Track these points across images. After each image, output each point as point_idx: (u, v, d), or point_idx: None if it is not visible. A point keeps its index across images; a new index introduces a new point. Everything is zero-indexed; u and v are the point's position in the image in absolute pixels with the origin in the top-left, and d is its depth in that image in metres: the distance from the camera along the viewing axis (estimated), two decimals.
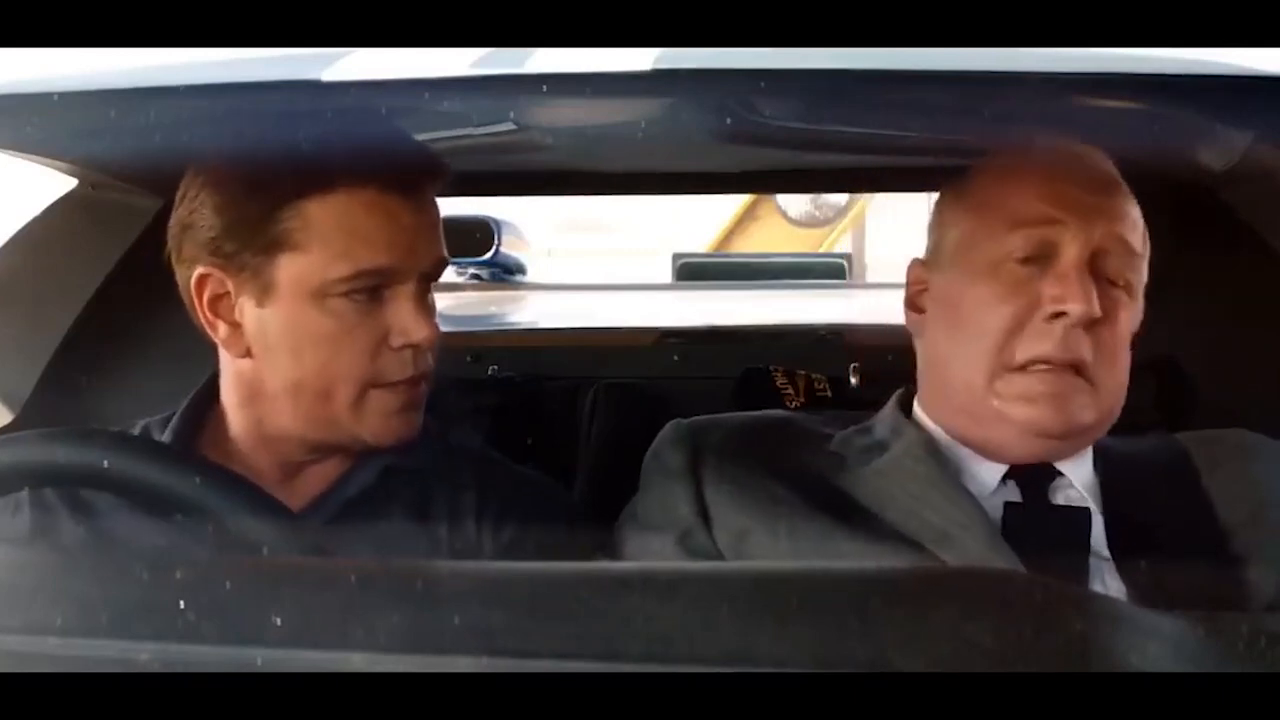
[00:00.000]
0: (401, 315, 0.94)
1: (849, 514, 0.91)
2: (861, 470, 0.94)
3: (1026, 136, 0.99)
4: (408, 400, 0.96)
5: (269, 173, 0.91)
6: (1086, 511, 0.91)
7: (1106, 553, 0.89)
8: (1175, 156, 1.16)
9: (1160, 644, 0.51)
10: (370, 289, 0.93)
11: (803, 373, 1.32)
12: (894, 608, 0.52)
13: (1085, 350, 0.90)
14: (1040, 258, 0.91)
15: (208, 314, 0.95)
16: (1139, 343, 0.95)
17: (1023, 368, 0.91)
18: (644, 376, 1.45)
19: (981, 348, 0.92)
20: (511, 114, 1.03)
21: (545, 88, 0.78)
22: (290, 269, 0.92)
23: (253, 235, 0.92)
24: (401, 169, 0.93)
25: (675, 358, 1.50)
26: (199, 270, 0.94)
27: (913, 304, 1.01)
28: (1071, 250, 0.90)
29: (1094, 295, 0.89)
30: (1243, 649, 0.51)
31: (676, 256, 3.01)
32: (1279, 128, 0.90)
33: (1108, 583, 0.88)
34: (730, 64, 0.75)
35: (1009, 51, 0.74)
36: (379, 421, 0.95)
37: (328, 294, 0.92)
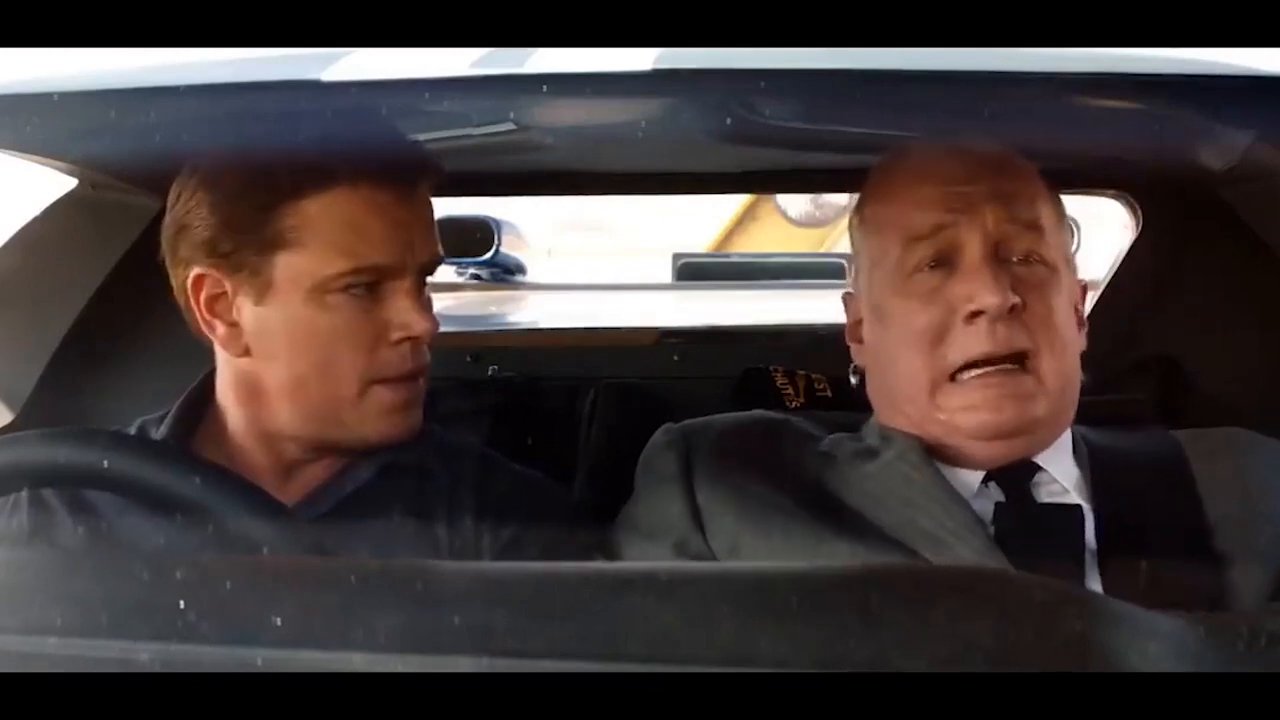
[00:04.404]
0: (400, 310, 0.95)
1: (842, 517, 0.91)
2: (854, 474, 0.94)
3: (905, 143, 0.99)
4: (409, 396, 0.97)
5: (265, 171, 0.92)
6: (1078, 509, 0.91)
7: (1094, 545, 0.89)
8: (1175, 156, 1.16)
9: (1160, 644, 0.51)
10: (368, 285, 0.94)
11: (803, 373, 1.32)
12: (894, 608, 0.52)
13: (1020, 339, 0.89)
14: (945, 263, 0.91)
15: (205, 314, 0.95)
16: (1139, 342, 0.95)
17: (960, 375, 0.90)
18: (644, 376, 1.44)
19: (916, 364, 0.91)
20: (511, 114, 1.03)
21: (545, 88, 0.78)
22: (288, 267, 0.92)
23: (250, 234, 0.92)
24: (397, 167, 0.94)
25: (675, 358, 1.50)
26: (195, 270, 0.94)
27: (853, 335, 1.01)
28: (972, 246, 0.90)
29: (1005, 285, 0.88)
30: (1243, 649, 0.51)
31: (676, 256, 3.00)
32: (1279, 127, 0.90)
33: (1096, 577, 0.87)
34: (730, 64, 0.75)
35: (1009, 51, 0.74)
36: (381, 418, 0.96)
37: (327, 290, 0.93)
